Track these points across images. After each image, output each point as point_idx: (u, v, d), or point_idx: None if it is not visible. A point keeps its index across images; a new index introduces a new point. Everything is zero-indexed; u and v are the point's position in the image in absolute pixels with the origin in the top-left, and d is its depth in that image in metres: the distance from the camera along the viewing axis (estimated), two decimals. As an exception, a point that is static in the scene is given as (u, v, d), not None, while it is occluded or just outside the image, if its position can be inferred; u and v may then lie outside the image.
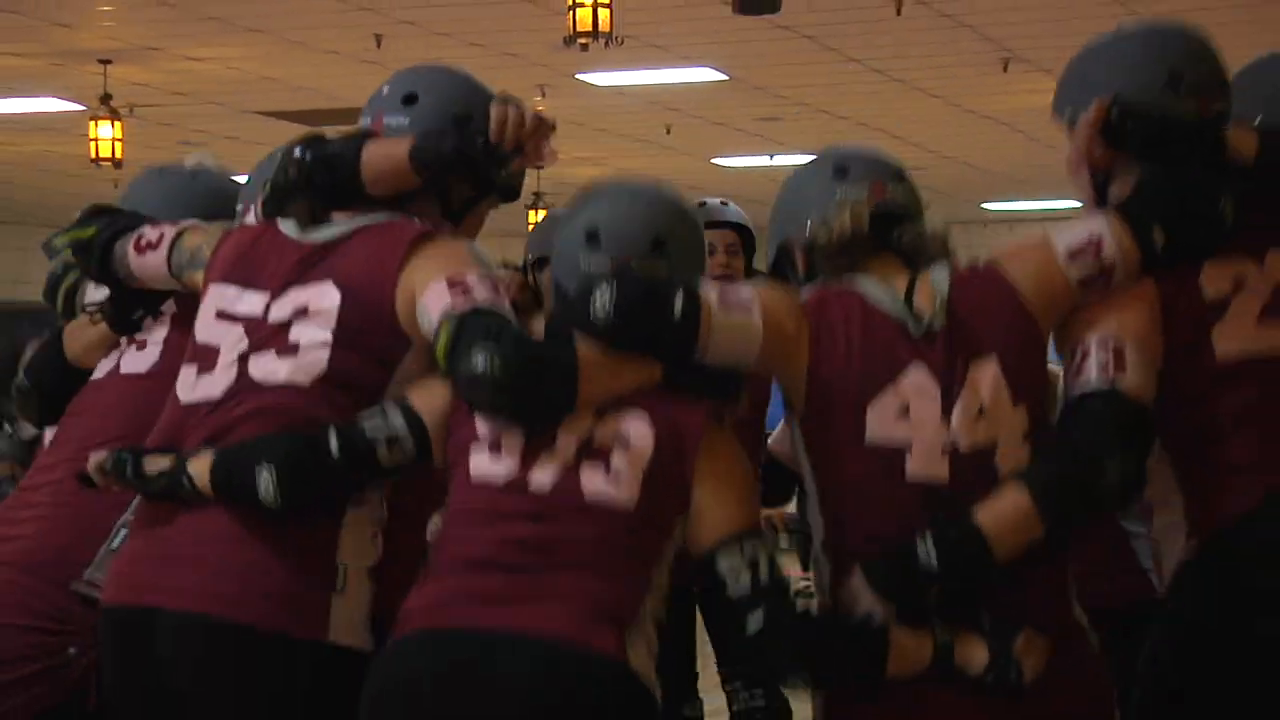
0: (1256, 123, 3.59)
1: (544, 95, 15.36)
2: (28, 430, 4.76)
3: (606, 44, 11.09)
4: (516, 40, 13.50)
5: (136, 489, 3.50)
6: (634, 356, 3.38)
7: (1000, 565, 3.25)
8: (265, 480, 3.34)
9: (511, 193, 3.69)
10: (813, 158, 3.74)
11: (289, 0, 12.46)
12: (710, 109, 16.80)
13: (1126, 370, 3.35)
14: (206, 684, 3.40)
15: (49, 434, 4.22)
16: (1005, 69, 14.62)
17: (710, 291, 3.36)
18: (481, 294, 3.36)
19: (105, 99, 14.85)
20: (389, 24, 13.03)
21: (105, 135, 15.20)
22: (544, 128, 3.52)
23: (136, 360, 3.91)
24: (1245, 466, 3.46)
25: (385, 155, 3.51)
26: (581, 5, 10.85)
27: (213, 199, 4.20)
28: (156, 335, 3.92)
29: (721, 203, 5.31)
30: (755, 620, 3.26)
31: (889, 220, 3.46)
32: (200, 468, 3.40)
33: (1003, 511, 3.26)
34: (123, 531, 3.68)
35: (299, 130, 15.13)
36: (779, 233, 3.67)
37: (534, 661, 3.27)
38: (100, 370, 3.97)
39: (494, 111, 3.49)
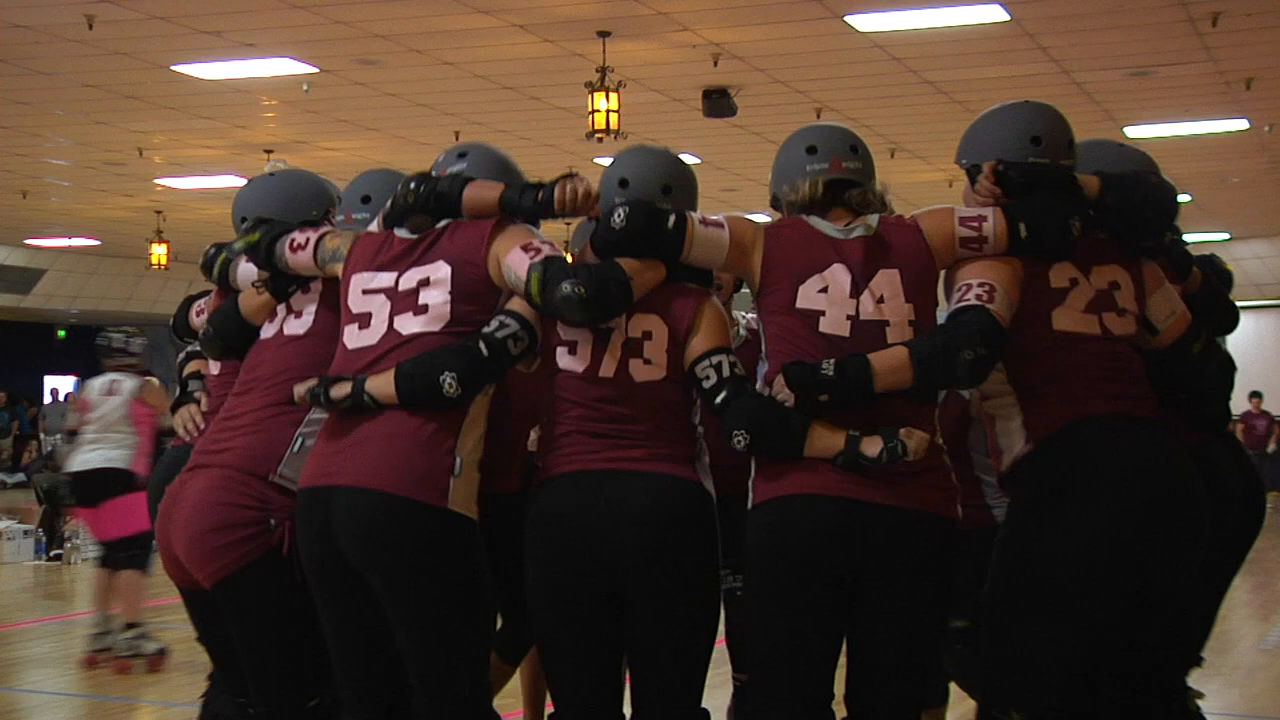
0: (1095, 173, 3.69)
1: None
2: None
3: (615, 138, 11.23)
4: (554, 136, 13.97)
5: (327, 408, 3.57)
6: (649, 264, 3.51)
7: (876, 391, 3.37)
8: (448, 381, 3.42)
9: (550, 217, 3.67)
10: (795, 132, 3.76)
11: (394, 109, 13.12)
12: None
13: (995, 302, 3.45)
14: (366, 535, 3.49)
15: (214, 367, 4.20)
16: (892, 156, 15.05)
17: (695, 215, 3.55)
18: (547, 249, 3.51)
19: (269, 176, 15.50)
20: (463, 124, 13.64)
21: None
22: (592, 201, 3.55)
23: (295, 325, 3.89)
24: (1063, 400, 3.57)
25: (482, 197, 3.60)
26: (598, 112, 11.10)
27: (285, 189, 4.17)
28: (309, 308, 3.89)
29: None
30: (721, 396, 3.44)
31: (842, 186, 3.58)
32: (380, 383, 3.49)
33: (885, 357, 3.39)
34: (300, 440, 3.74)
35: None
36: (772, 186, 3.74)
37: (640, 483, 3.48)
38: (267, 330, 3.94)
39: (563, 184, 3.54)
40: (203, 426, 4.14)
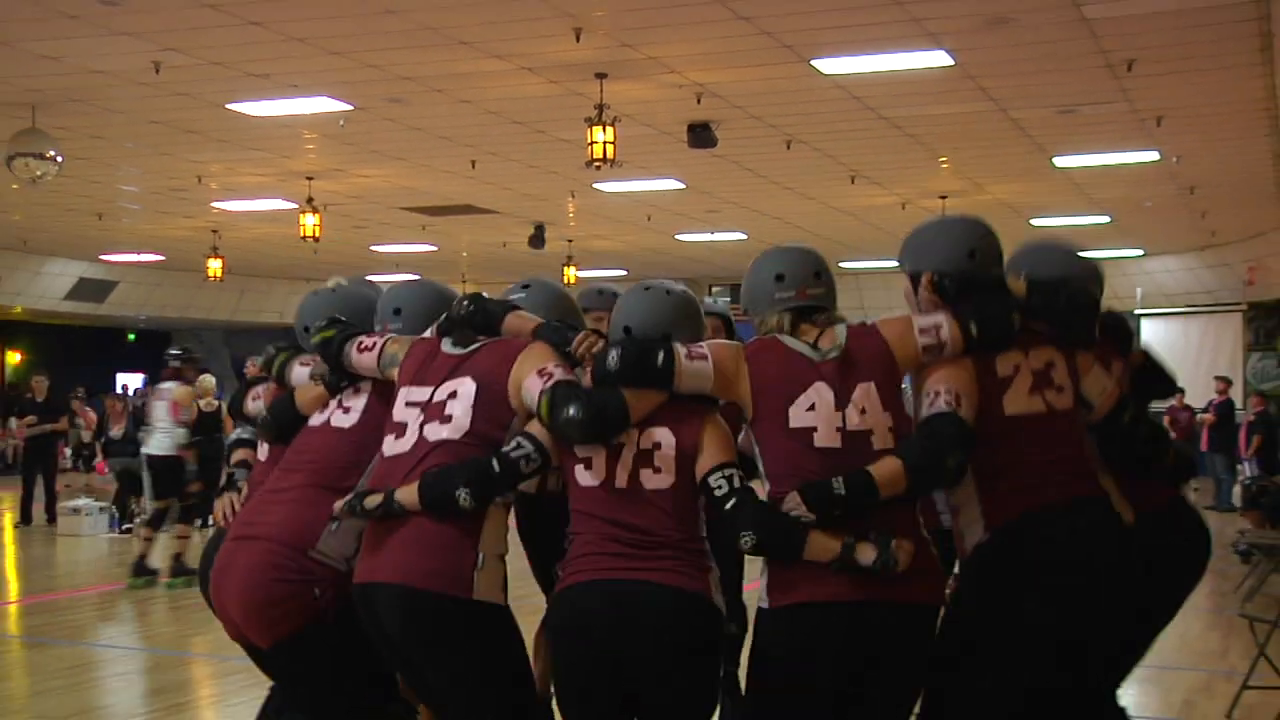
0: (1022, 277, 3.72)
1: (574, 197, 16.07)
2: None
3: (611, 166, 11.26)
4: (558, 165, 13.86)
5: (363, 518, 3.56)
6: (643, 394, 3.45)
7: (880, 501, 3.31)
8: (463, 494, 3.42)
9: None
10: (763, 254, 3.72)
11: (418, 141, 13.03)
12: (674, 205, 16.84)
13: (962, 407, 3.43)
14: (402, 623, 3.48)
15: (262, 453, 4.15)
16: (853, 182, 15.09)
17: (681, 349, 3.47)
18: (559, 374, 3.49)
19: (309, 200, 15.63)
20: (479, 154, 13.63)
21: (309, 223, 15.81)
22: (598, 344, 3.56)
23: (342, 419, 3.87)
24: (1015, 491, 3.53)
25: (519, 327, 3.66)
26: (596, 143, 10.98)
27: (346, 302, 4.14)
28: (357, 404, 3.87)
29: (712, 299, 4.75)
30: (730, 504, 3.36)
31: (804, 314, 3.56)
32: (407, 494, 3.47)
33: (884, 470, 3.33)
34: (333, 524, 3.69)
35: (427, 219, 16.04)
36: (743, 302, 3.70)
37: (655, 595, 3.38)
38: (316, 419, 3.92)
39: (582, 338, 3.57)
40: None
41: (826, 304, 3.60)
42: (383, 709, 3.80)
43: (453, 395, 3.58)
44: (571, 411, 3.37)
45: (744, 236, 19.04)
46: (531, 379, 3.51)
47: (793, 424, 3.43)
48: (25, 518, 15.09)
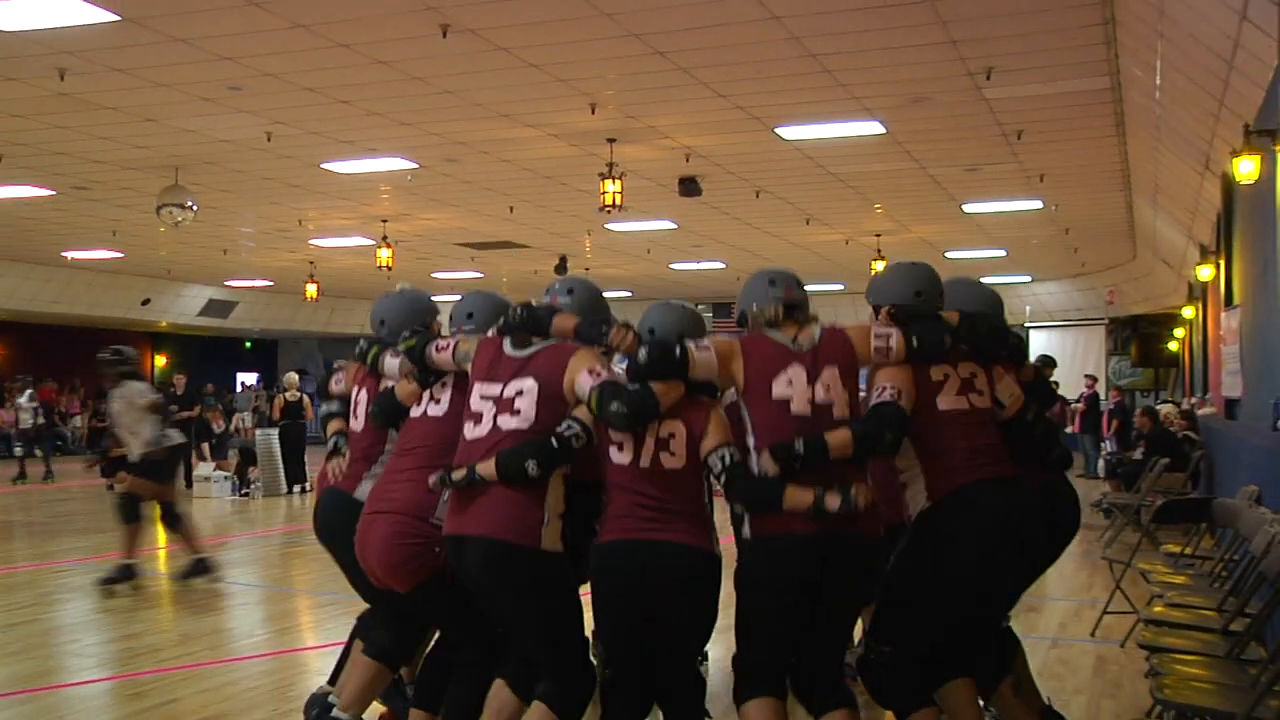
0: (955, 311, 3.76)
1: (590, 234, 15.93)
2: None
3: (619, 210, 11.26)
4: (577, 209, 13.82)
5: (451, 487, 3.54)
6: (669, 385, 3.48)
7: (831, 460, 3.38)
8: (531, 465, 3.42)
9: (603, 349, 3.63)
10: (759, 270, 3.76)
11: (468, 192, 13.01)
12: (668, 241, 16.85)
13: (901, 399, 3.49)
14: (484, 566, 3.47)
15: (356, 425, 4.06)
16: (807, 223, 15.09)
17: (691, 344, 3.53)
18: (606, 375, 3.49)
19: (384, 238, 15.61)
20: (516, 201, 13.53)
21: (384, 255, 15.73)
22: (631, 341, 3.57)
23: (435, 409, 3.82)
24: (952, 469, 3.57)
25: (563, 326, 3.62)
26: (607, 193, 10.94)
27: (411, 304, 4.10)
28: (444, 396, 3.81)
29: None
30: (725, 476, 3.41)
31: (791, 308, 3.60)
32: (486, 468, 3.46)
33: (837, 437, 3.41)
34: (444, 495, 3.64)
35: (475, 253, 15.99)
36: (740, 305, 3.71)
37: (673, 551, 3.43)
38: (415, 411, 3.85)
39: (615, 331, 3.58)
40: (346, 472, 4.03)
41: (805, 306, 3.66)
42: (496, 632, 3.76)
43: (520, 393, 3.55)
44: (615, 406, 3.39)
45: (724, 265, 18.95)
46: (583, 376, 3.50)
47: (774, 395, 3.48)
48: (168, 483, 15.09)
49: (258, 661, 5.58)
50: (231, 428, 15.84)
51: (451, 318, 4.01)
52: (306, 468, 14.62)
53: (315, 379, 19.77)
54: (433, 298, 4.27)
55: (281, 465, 14.36)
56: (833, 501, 3.33)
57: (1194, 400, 14.38)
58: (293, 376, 14.76)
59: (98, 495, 14.42)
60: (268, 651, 5.84)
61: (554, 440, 3.45)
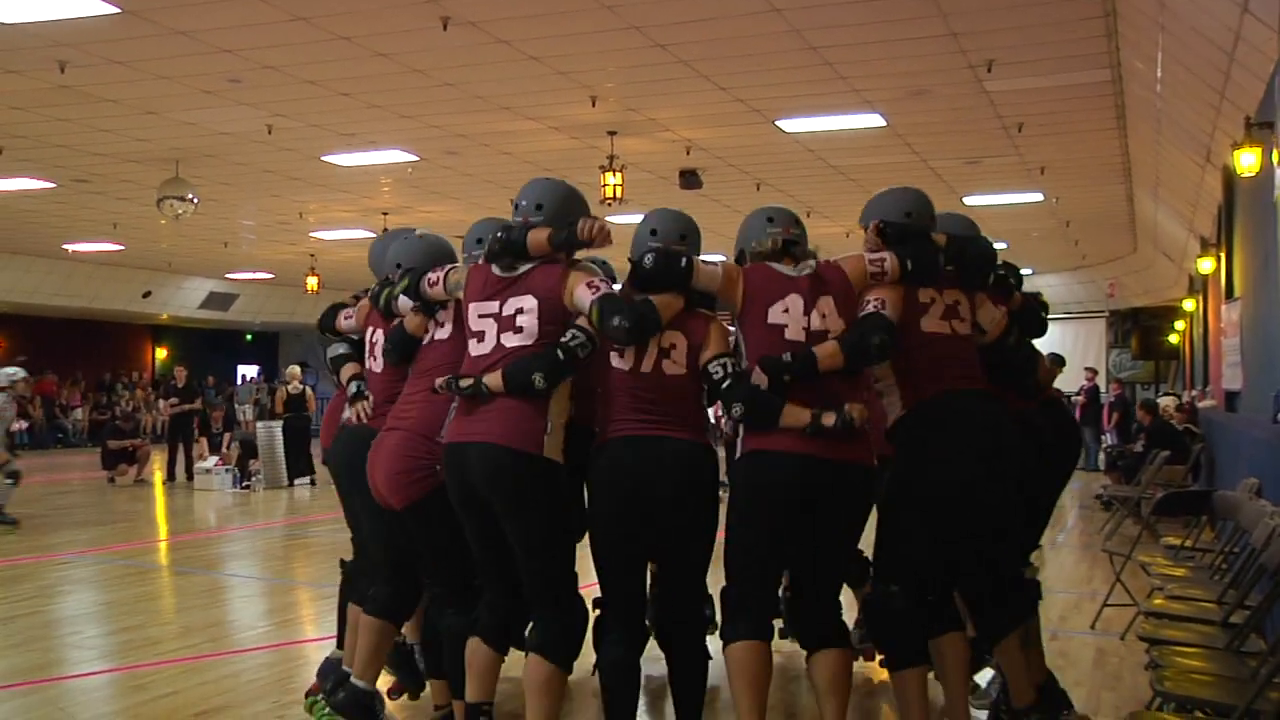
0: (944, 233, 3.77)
1: None
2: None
3: (619, 203, 11.15)
4: None
5: (456, 394, 3.54)
6: (671, 297, 3.50)
7: (820, 370, 3.39)
8: (538, 378, 3.41)
9: (583, 248, 3.62)
10: (758, 208, 3.74)
11: (469, 185, 12.99)
12: None
13: (887, 308, 3.52)
14: (487, 471, 3.46)
15: (375, 366, 4.09)
16: (808, 215, 14.03)
17: (698, 259, 3.56)
18: (604, 288, 3.49)
19: (385, 231, 15.15)
20: (517, 194, 13.76)
21: None
22: (606, 234, 3.53)
23: (440, 333, 3.88)
24: (928, 380, 3.62)
25: (538, 240, 3.54)
26: (607, 185, 10.92)
27: (429, 249, 4.11)
28: (448, 319, 3.86)
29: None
30: (725, 385, 3.44)
31: (790, 244, 3.60)
32: (493, 379, 3.47)
33: (823, 348, 3.43)
34: (452, 412, 3.63)
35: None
36: (738, 243, 3.73)
37: (678, 446, 3.46)
38: (425, 339, 3.92)
39: (582, 223, 3.52)
40: (372, 414, 4.04)
41: (802, 243, 3.66)
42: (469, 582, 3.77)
43: (520, 310, 3.54)
44: (617, 321, 3.39)
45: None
46: (581, 289, 3.49)
47: (770, 320, 3.50)
48: (170, 476, 15.09)
49: (259, 654, 5.57)
50: (218, 428, 15.60)
51: (464, 247, 4.00)
52: (313, 460, 14.61)
53: (317, 371, 19.89)
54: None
55: (284, 458, 14.36)
56: (829, 418, 3.33)
57: (1194, 393, 14.38)
58: (295, 369, 14.76)
59: (98, 488, 14.46)
60: (269, 644, 5.83)
61: (559, 351, 3.44)
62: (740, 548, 3.50)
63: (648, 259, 3.50)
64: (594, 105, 9.43)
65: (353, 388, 4.18)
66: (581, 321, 3.50)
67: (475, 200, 14.05)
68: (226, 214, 15.21)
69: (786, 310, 3.49)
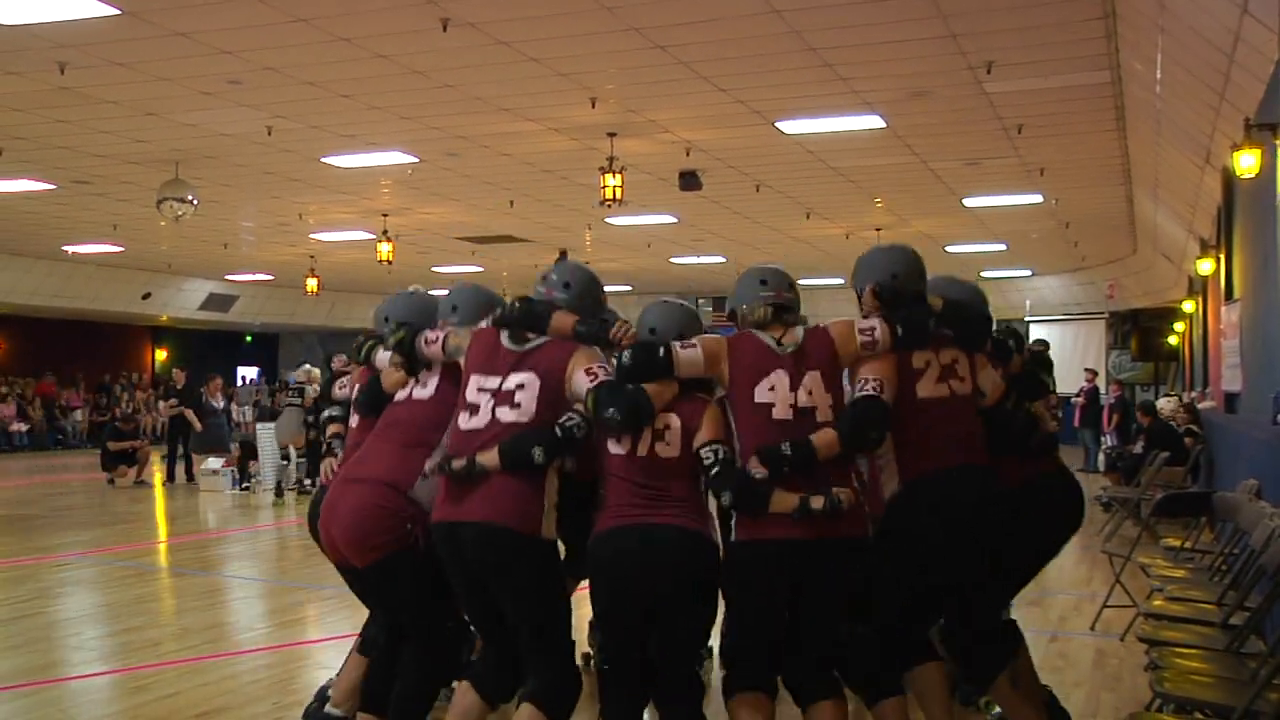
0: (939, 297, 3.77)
1: (590, 229, 15.87)
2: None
3: (619, 205, 11.22)
4: (577, 203, 13.78)
5: (448, 476, 3.49)
6: (664, 385, 3.49)
7: (820, 461, 3.38)
8: (537, 451, 3.41)
9: (606, 348, 3.62)
10: (752, 267, 3.73)
11: (469, 186, 12.97)
12: (669, 235, 16.86)
13: (884, 392, 3.47)
14: (484, 551, 3.43)
15: (352, 422, 4.07)
16: (808, 217, 15.03)
17: (677, 345, 3.54)
18: (603, 375, 3.48)
19: (384, 232, 15.60)
20: (516, 195, 13.48)
21: (384, 249, 15.65)
22: (633, 338, 3.58)
23: (421, 392, 3.79)
24: (925, 454, 3.58)
25: (561, 324, 3.58)
26: (607, 187, 10.89)
27: (420, 304, 4.09)
28: (431, 381, 3.78)
29: (696, 309, 4.23)
30: (714, 470, 3.42)
31: (781, 310, 3.59)
32: (488, 457, 3.43)
33: (824, 437, 3.41)
34: (422, 478, 3.61)
35: (476, 246, 16.09)
36: (731, 302, 3.71)
37: (669, 534, 3.41)
38: (400, 395, 3.85)
39: (617, 327, 3.61)
40: (338, 473, 3.97)
41: (795, 308, 3.64)
42: (446, 627, 3.75)
43: (520, 387, 3.51)
44: (611, 412, 3.39)
45: (724, 259, 18.93)
46: (579, 375, 3.49)
47: (757, 400, 3.47)
48: (170, 477, 15.09)
49: (258, 655, 5.57)
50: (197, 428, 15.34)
51: (438, 310, 3.97)
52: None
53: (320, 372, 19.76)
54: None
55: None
56: (817, 502, 3.33)
57: (1194, 394, 14.38)
58: (315, 372, 14.73)
59: (98, 489, 14.46)
60: (268, 645, 5.83)
61: (558, 429, 3.44)
62: (738, 622, 3.54)
63: (626, 356, 3.50)
64: (594, 106, 9.42)
65: (327, 445, 4.23)
66: (580, 407, 3.49)
67: (475, 202, 14.10)
68: (226, 215, 15.19)
69: (773, 389, 3.48)
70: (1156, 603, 4.61)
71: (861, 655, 3.60)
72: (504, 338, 3.61)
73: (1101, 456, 16.63)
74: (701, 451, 3.44)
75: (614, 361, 3.57)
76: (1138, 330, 22.05)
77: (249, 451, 14.55)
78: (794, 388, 3.47)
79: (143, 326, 27.37)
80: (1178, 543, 6.25)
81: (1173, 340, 20.80)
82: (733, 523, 3.49)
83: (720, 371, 3.54)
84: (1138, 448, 12.20)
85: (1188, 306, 17.25)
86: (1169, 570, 5.36)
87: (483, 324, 3.71)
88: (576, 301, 3.67)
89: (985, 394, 3.75)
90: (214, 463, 14.59)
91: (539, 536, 3.43)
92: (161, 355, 28.81)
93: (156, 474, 15.82)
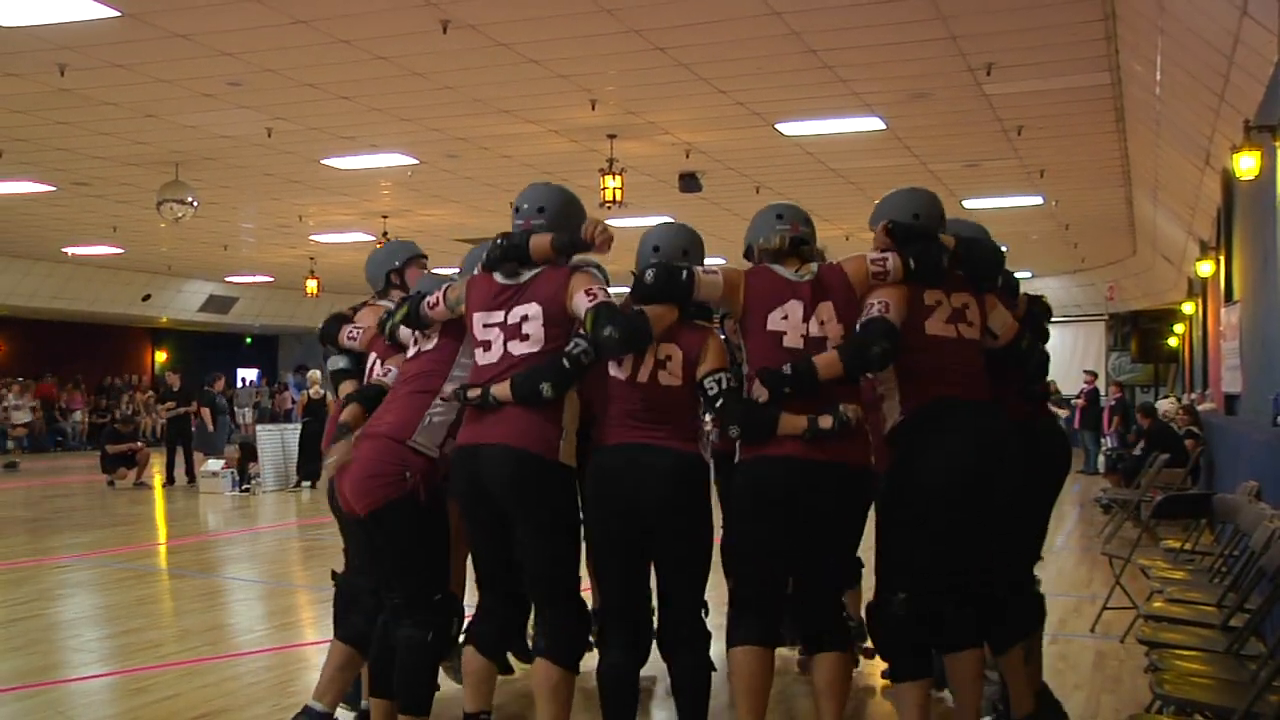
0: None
1: None
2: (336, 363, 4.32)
3: (619, 206, 11.18)
4: None
5: (465, 404, 3.55)
6: (665, 309, 3.50)
7: (820, 381, 3.39)
8: (545, 388, 3.42)
9: (585, 251, 3.63)
10: (768, 206, 3.76)
11: (469, 188, 13.01)
12: None
13: (890, 312, 3.48)
14: (503, 473, 3.46)
15: (378, 368, 4.06)
16: None
17: (699, 268, 3.53)
18: (602, 295, 3.48)
19: (384, 234, 15.75)
20: (516, 197, 13.93)
21: None
22: (608, 237, 3.58)
23: (426, 345, 3.85)
24: (929, 385, 3.57)
25: (541, 244, 3.55)
26: (607, 189, 10.93)
27: (431, 279, 4.03)
28: (435, 333, 3.84)
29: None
30: (719, 399, 3.44)
31: (797, 243, 3.60)
32: (501, 389, 3.47)
33: (823, 358, 3.42)
34: (429, 418, 3.67)
35: (473, 248, 15.98)
36: (747, 239, 3.75)
37: (661, 455, 3.45)
38: (410, 350, 3.91)
39: (586, 226, 3.57)
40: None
41: (810, 242, 3.65)
42: (437, 593, 3.71)
43: (525, 318, 3.54)
44: (609, 331, 3.39)
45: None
46: (580, 296, 3.48)
47: (769, 327, 3.50)
48: (169, 479, 15.10)
49: (258, 657, 5.56)
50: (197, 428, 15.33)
51: (460, 271, 4.02)
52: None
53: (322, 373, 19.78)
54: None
55: (296, 459, 14.31)
56: (825, 421, 3.35)
57: (1194, 396, 14.38)
58: (315, 374, 14.73)
59: (98, 491, 14.47)
60: (268, 647, 5.82)
61: (565, 360, 3.44)
62: (741, 551, 3.52)
63: (649, 274, 3.50)
64: (594, 108, 9.45)
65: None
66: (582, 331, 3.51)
67: (475, 203, 14.09)
68: (226, 217, 15.22)
69: (785, 317, 3.49)
70: (1156, 605, 4.60)
71: (887, 628, 3.54)
72: (498, 277, 3.62)
73: (1101, 458, 16.60)
74: (704, 381, 3.45)
75: (634, 280, 3.57)
76: (1137, 332, 22.10)
77: (249, 453, 14.54)
78: (807, 317, 3.49)
79: (142, 328, 27.37)
80: (1178, 544, 6.25)
81: (1172, 342, 20.84)
82: (737, 451, 3.50)
83: (735, 302, 3.54)
84: (1138, 449, 12.20)
85: (1187, 308, 17.27)
86: (1169, 572, 5.34)
87: (475, 271, 3.72)
88: (555, 224, 3.62)
89: (997, 335, 3.76)
90: (214, 464, 14.60)
91: (558, 461, 3.46)
92: (161, 357, 28.81)
93: (156, 475, 15.80)
